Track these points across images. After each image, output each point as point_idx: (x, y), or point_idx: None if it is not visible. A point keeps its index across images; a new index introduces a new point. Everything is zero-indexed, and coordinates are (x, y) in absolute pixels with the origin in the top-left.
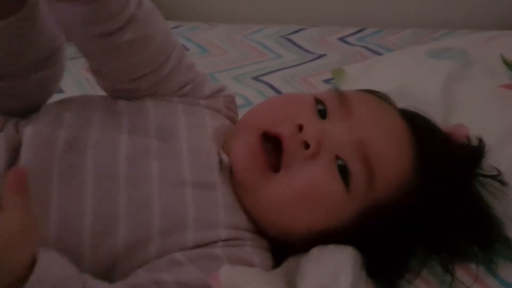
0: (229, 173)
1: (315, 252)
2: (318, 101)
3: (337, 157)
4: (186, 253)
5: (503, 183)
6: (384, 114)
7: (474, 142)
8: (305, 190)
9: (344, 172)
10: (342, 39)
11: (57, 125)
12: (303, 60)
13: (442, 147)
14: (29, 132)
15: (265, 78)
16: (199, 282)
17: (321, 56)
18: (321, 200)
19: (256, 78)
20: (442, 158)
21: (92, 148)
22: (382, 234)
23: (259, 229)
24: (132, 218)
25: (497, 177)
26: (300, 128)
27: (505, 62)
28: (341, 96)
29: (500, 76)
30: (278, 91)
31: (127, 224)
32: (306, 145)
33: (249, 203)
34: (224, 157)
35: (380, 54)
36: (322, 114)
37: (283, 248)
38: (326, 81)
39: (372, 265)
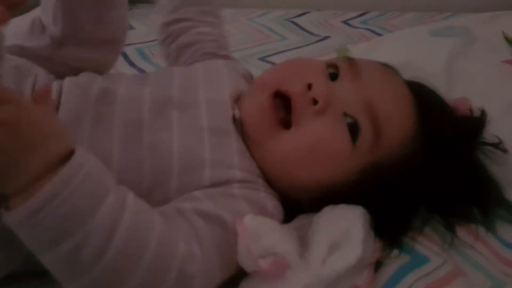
0: (241, 128)
1: (327, 210)
2: (329, 65)
3: (345, 114)
4: (203, 191)
5: (503, 150)
6: (391, 80)
7: (477, 114)
8: (313, 144)
9: (353, 128)
10: (345, 22)
11: (92, 80)
12: (308, 42)
13: (445, 114)
14: (68, 82)
15: (271, 59)
16: (215, 214)
17: (325, 38)
18: (327, 154)
19: (262, 59)
20: (445, 124)
21: (121, 100)
22: (387, 194)
23: (269, 182)
24: (154, 158)
25: (498, 145)
26: (309, 86)
27: (507, 39)
28: (351, 61)
29: (502, 52)
30: None
31: (149, 163)
32: (315, 102)
33: (259, 155)
34: (237, 112)
35: None
36: (333, 77)
37: (293, 206)
38: None
39: (378, 223)
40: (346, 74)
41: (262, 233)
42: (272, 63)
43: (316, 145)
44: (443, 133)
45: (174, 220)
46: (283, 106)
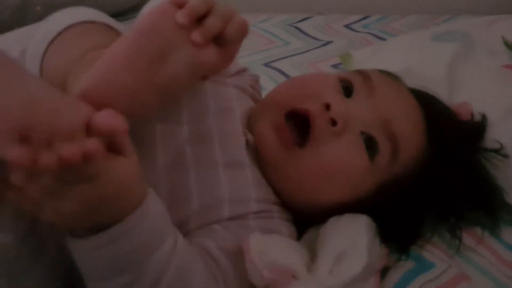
0: (255, 151)
1: (332, 221)
2: (342, 80)
3: (362, 133)
4: (222, 224)
5: (504, 155)
6: (401, 93)
7: (478, 118)
8: (332, 164)
9: (371, 146)
10: (347, 26)
11: None
12: (311, 47)
13: (448, 122)
14: None
15: (275, 65)
16: (235, 246)
17: (328, 42)
18: (346, 174)
19: (266, 65)
20: (449, 132)
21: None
22: (395, 203)
23: (283, 202)
24: (173, 201)
25: (499, 150)
26: (327, 106)
27: (506, 43)
28: (365, 76)
29: (502, 57)
30: (288, 77)
31: (169, 207)
32: (333, 123)
33: (276, 179)
34: (250, 137)
35: (385, 39)
36: (347, 92)
37: (304, 220)
38: (334, 66)
39: (386, 231)
40: (361, 90)
41: (267, 249)
42: (277, 69)
43: (335, 166)
44: (447, 140)
45: (203, 257)
46: (296, 127)
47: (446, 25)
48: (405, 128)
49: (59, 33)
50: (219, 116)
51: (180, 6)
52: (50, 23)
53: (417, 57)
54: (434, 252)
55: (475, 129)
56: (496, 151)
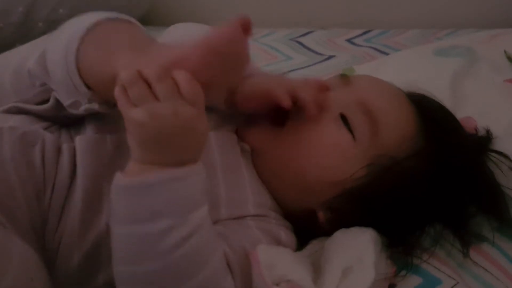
0: (250, 158)
1: (338, 235)
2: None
3: (341, 114)
4: (222, 223)
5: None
6: (385, 84)
7: (482, 133)
8: (312, 139)
9: (346, 123)
10: (349, 41)
11: (103, 131)
12: (313, 62)
13: (450, 123)
14: (79, 141)
15: None
16: (237, 245)
17: (330, 57)
18: (327, 147)
19: None
20: (452, 133)
21: None
22: (397, 199)
23: (282, 210)
24: None
25: (506, 156)
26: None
27: (509, 58)
28: (342, 76)
29: (505, 71)
30: None
31: None
32: (309, 106)
33: (268, 170)
34: (243, 144)
35: (387, 54)
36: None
37: (306, 230)
38: None
39: (391, 245)
40: (337, 84)
41: (275, 262)
42: None
43: (314, 141)
44: (450, 141)
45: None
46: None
47: (449, 39)
48: (382, 104)
49: (89, 29)
50: (217, 129)
51: (245, 30)
52: (74, 25)
53: (421, 72)
54: (441, 268)
55: (479, 137)
56: (504, 155)
